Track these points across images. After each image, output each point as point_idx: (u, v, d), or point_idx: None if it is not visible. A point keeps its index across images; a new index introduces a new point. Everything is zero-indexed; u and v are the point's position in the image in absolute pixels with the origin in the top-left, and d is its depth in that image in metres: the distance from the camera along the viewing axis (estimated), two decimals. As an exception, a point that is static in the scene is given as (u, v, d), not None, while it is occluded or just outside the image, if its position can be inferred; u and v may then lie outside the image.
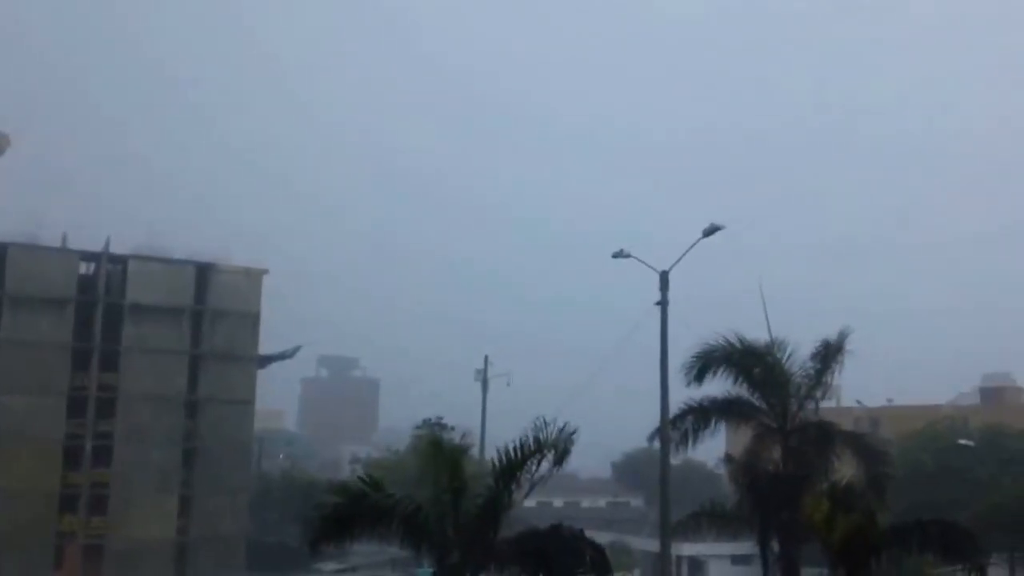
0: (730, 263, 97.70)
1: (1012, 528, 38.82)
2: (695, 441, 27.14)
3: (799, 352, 26.59)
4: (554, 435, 18.06)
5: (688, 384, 26.73)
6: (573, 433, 18.26)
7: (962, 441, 55.14)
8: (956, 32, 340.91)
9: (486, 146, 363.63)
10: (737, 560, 57.73)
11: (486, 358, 55.08)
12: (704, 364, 26.39)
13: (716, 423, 27.14)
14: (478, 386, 54.61)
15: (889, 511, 24.67)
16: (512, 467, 18.11)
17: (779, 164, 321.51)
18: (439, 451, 18.75)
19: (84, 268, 58.98)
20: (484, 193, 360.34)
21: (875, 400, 69.01)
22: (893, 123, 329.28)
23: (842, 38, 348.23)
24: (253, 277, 61.13)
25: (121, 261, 58.79)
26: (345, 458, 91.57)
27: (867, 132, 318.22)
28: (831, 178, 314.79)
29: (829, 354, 26.48)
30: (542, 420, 18.17)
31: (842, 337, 26.38)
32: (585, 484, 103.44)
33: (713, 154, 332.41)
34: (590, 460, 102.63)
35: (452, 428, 51.59)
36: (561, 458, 18.28)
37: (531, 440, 18.04)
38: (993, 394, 78.47)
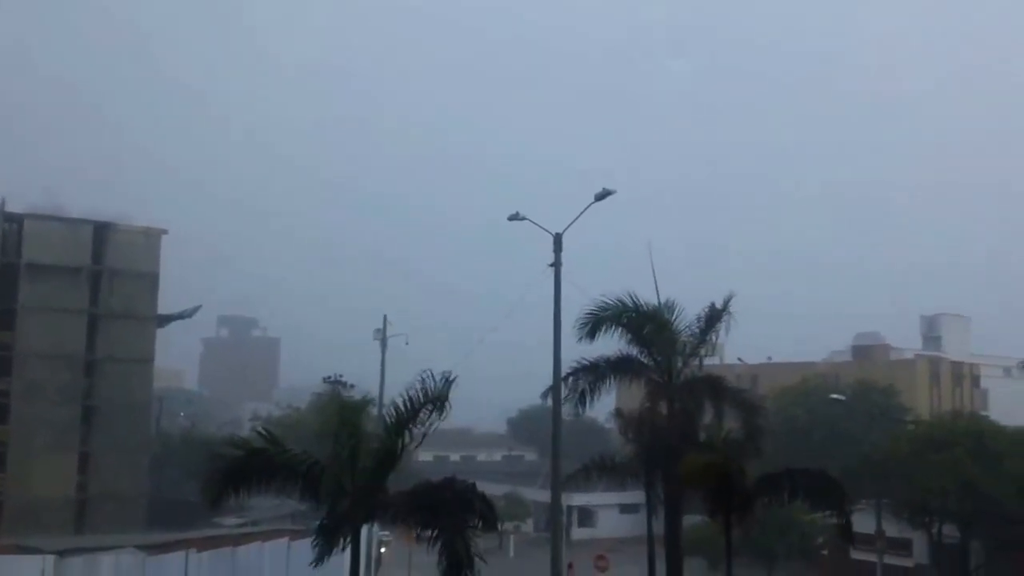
0: (624, 225, 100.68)
1: (878, 477, 40.70)
2: (593, 400, 27.68)
3: (687, 312, 27.45)
4: (438, 385, 18.36)
5: (579, 340, 27.18)
6: (453, 380, 18.46)
7: (834, 396, 57.20)
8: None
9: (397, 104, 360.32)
10: (625, 509, 60.83)
11: (385, 318, 55.82)
12: (596, 322, 26.96)
13: (608, 380, 27.64)
14: (378, 345, 55.61)
15: (765, 462, 25.45)
16: (403, 420, 18.45)
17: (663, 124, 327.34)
18: (340, 409, 18.99)
19: (-21, 227, 57.90)
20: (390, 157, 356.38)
21: (756, 357, 72.29)
22: (773, 61, 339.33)
23: None
24: (152, 237, 60.79)
25: (17, 220, 57.64)
26: (246, 416, 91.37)
27: (750, 69, 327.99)
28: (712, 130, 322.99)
29: (714, 316, 27.33)
30: (428, 372, 18.44)
31: (727, 301, 27.26)
32: (481, 439, 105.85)
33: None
34: (486, 416, 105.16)
35: (352, 386, 52.65)
36: (442, 406, 18.48)
37: (419, 393, 18.36)
38: (863, 352, 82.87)
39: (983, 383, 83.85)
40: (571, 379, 27.86)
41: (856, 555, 46.87)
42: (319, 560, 17.89)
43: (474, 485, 18.76)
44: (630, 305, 27.12)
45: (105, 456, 57.11)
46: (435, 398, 18.42)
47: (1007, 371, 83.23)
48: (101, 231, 59.14)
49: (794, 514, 41.11)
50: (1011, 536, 38.35)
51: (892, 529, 43.46)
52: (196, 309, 71.21)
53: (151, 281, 60.37)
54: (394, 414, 18.73)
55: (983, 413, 57.12)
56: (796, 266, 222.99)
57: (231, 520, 52.93)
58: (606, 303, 27.13)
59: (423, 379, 18.44)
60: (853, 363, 78.80)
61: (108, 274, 58.97)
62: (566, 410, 29.00)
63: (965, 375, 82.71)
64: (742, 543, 37.02)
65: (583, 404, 27.89)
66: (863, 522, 44.82)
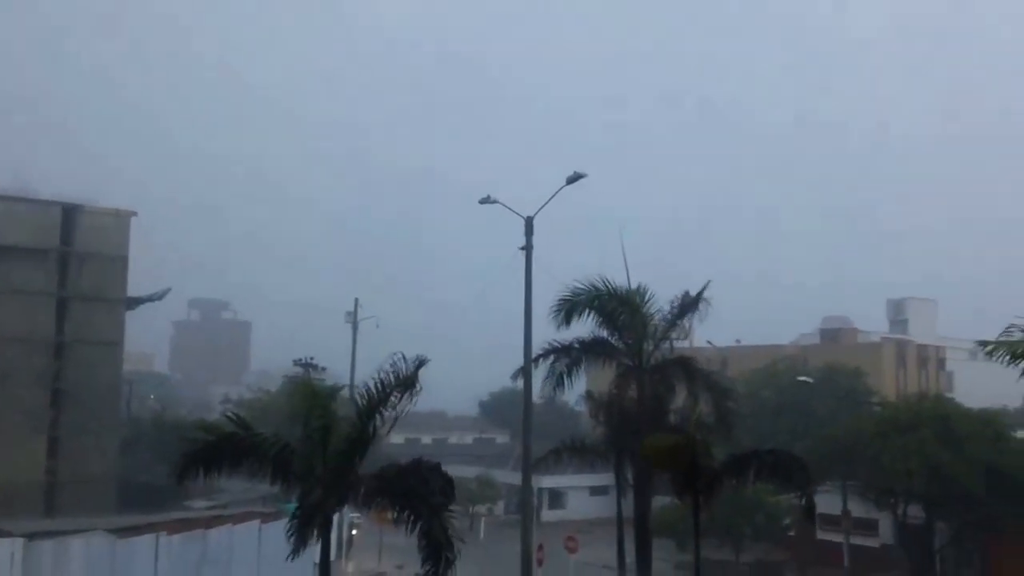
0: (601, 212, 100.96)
1: (844, 459, 41.05)
2: (571, 382, 28.03)
3: (659, 295, 27.93)
4: (410, 368, 18.35)
5: (558, 328, 27.51)
6: (424, 363, 18.48)
7: (801, 378, 57.95)
8: None
9: (364, 87, 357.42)
10: (595, 491, 61.26)
11: (356, 301, 55.91)
12: (571, 306, 27.23)
13: (580, 363, 28.02)
14: (349, 328, 55.62)
15: (734, 443, 25.72)
16: (374, 403, 18.46)
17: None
18: (312, 393, 18.90)
19: (-55, 208, 57.09)
20: (360, 137, 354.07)
21: (725, 340, 72.93)
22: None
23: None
24: (122, 219, 60.29)
25: (-16, 201, 57.03)
26: (216, 399, 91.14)
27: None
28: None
29: (687, 303, 27.92)
30: (399, 355, 18.49)
31: (702, 290, 27.83)
32: (453, 421, 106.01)
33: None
34: (458, 399, 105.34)
35: (323, 369, 52.63)
36: (412, 388, 18.50)
37: (391, 376, 18.40)
38: (831, 335, 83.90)
39: (948, 366, 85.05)
40: (542, 360, 28.14)
41: (823, 535, 47.59)
42: (296, 552, 17.78)
43: (438, 465, 18.79)
44: (603, 289, 27.38)
45: (74, 439, 56.77)
46: (405, 381, 18.41)
47: (972, 354, 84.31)
48: (70, 213, 58.55)
49: (761, 495, 41.69)
50: (975, 517, 38.96)
51: (858, 510, 44.06)
52: (166, 292, 70.80)
53: (120, 263, 59.91)
54: (365, 397, 18.72)
55: (948, 395, 57.73)
56: (768, 246, 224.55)
57: (202, 503, 52.82)
58: (580, 287, 27.36)
59: (394, 362, 18.44)
60: (821, 346, 79.62)
61: (77, 256, 58.44)
62: (544, 392, 29.29)
63: (931, 358, 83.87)
64: (710, 524, 37.44)
65: (561, 386, 28.13)
66: (830, 503, 45.47)
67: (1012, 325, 16.48)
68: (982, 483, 37.11)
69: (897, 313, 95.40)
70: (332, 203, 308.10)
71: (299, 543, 17.77)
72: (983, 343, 16.59)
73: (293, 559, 17.91)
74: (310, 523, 17.90)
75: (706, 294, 27.93)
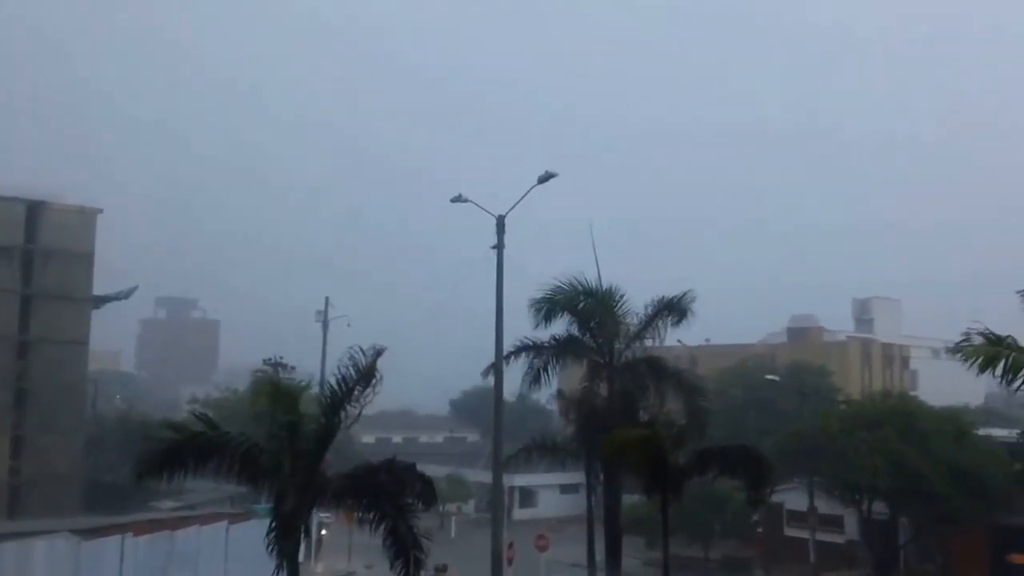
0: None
1: (810, 455, 41.46)
2: (549, 379, 28.25)
3: (630, 294, 28.28)
4: (369, 360, 18.22)
5: (536, 326, 27.86)
6: (381, 353, 18.38)
7: (769, 376, 58.87)
8: None
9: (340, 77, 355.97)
10: (565, 489, 61.47)
11: (327, 299, 55.73)
12: (551, 305, 27.63)
13: (554, 361, 28.29)
14: (320, 327, 55.41)
15: (706, 440, 25.75)
16: (338, 400, 18.35)
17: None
18: (277, 390, 18.66)
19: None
20: (336, 125, 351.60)
21: (695, 339, 73.23)
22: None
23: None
24: (87, 216, 59.59)
25: (-54, 198, 56.22)
26: (184, 398, 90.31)
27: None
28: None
29: (662, 308, 27.99)
30: (357, 348, 18.35)
31: (678, 297, 27.94)
32: (423, 420, 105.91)
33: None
34: (429, 398, 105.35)
35: (293, 368, 52.32)
36: (371, 379, 18.38)
37: (351, 370, 18.30)
38: (799, 334, 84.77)
39: (912, 364, 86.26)
40: (513, 358, 28.30)
41: (790, 532, 48.09)
42: (281, 567, 17.45)
43: (413, 465, 18.77)
44: (580, 289, 27.75)
45: (39, 439, 56.04)
46: (364, 373, 18.31)
47: (935, 353, 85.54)
48: (34, 209, 57.77)
49: (730, 492, 42.03)
50: (938, 512, 39.49)
51: (824, 506, 44.47)
52: (132, 290, 70.01)
53: (86, 261, 59.18)
54: (329, 394, 18.70)
55: (912, 393, 58.54)
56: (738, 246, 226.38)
57: (168, 504, 52.42)
58: (562, 286, 27.76)
59: (352, 356, 18.35)
60: (788, 345, 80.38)
61: (41, 254, 57.68)
62: (522, 389, 29.36)
63: (895, 356, 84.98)
64: (679, 521, 37.78)
65: (538, 383, 28.32)
66: (796, 500, 45.99)
67: (969, 329, 16.77)
68: (945, 479, 37.60)
69: (862, 312, 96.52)
70: (307, 200, 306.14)
71: (282, 556, 17.51)
72: (954, 348, 16.82)
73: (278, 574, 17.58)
74: (290, 533, 17.72)
75: (687, 303, 28.07)
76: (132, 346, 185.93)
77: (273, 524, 17.98)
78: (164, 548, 31.25)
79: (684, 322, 28.22)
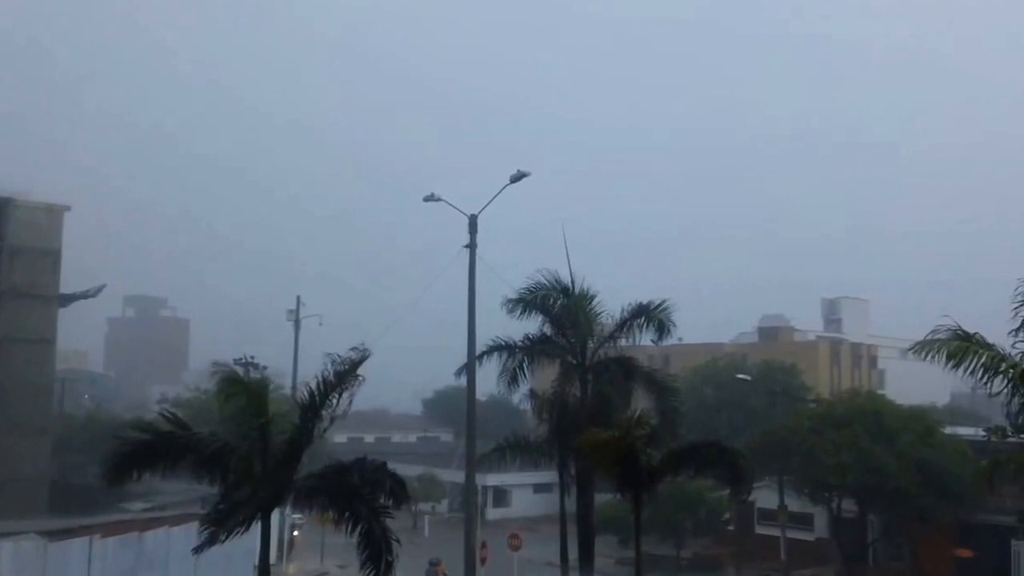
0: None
1: (780, 453, 41.84)
2: (525, 378, 28.17)
3: (602, 294, 28.36)
4: (348, 363, 18.28)
5: (518, 317, 27.82)
6: (367, 356, 18.42)
7: (740, 375, 59.40)
8: None
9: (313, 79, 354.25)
10: (538, 488, 61.46)
11: (298, 298, 55.42)
12: (528, 303, 27.65)
13: (528, 360, 28.22)
14: (292, 326, 55.12)
15: (678, 439, 25.62)
16: (316, 403, 18.40)
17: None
18: (241, 387, 18.58)
19: None
20: (310, 122, 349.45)
21: (667, 338, 73.46)
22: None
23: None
24: (54, 213, 58.72)
25: (-90, 195, 55.25)
26: (153, 398, 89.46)
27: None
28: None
29: (638, 313, 28.02)
30: (336, 355, 18.39)
31: (656, 306, 28.01)
32: (396, 420, 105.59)
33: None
34: (401, 397, 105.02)
35: (264, 367, 52.01)
36: (352, 382, 18.45)
37: (331, 374, 18.34)
38: (769, 333, 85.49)
39: (880, 363, 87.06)
40: (486, 358, 28.36)
41: (761, 530, 48.48)
42: (200, 548, 17.26)
43: (385, 464, 18.76)
44: (557, 287, 27.82)
45: (5, 440, 55.12)
46: (347, 373, 18.32)
47: (903, 352, 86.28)
48: (0, 206, 56.93)
49: (702, 491, 42.31)
50: (905, 510, 39.93)
51: (794, 505, 44.89)
52: (100, 288, 69.21)
53: (53, 259, 58.37)
54: (307, 397, 18.66)
55: (880, 392, 59.04)
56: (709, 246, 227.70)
57: (137, 505, 51.93)
58: (544, 283, 27.77)
59: (331, 361, 18.39)
60: (759, 344, 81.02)
61: (7, 251, 56.76)
62: (498, 389, 29.33)
63: (863, 356, 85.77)
64: (652, 520, 37.93)
65: (515, 382, 28.26)
66: (767, 498, 46.36)
67: (938, 326, 16.97)
68: (912, 477, 38.04)
69: (831, 312, 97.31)
70: (280, 198, 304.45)
71: (211, 538, 17.13)
72: (916, 346, 17.00)
73: (197, 554, 17.51)
74: (229, 518, 17.35)
75: (664, 314, 28.09)
76: (100, 345, 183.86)
77: (217, 506, 17.77)
78: (133, 550, 31.01)
79: (665, 335, 28.29)
